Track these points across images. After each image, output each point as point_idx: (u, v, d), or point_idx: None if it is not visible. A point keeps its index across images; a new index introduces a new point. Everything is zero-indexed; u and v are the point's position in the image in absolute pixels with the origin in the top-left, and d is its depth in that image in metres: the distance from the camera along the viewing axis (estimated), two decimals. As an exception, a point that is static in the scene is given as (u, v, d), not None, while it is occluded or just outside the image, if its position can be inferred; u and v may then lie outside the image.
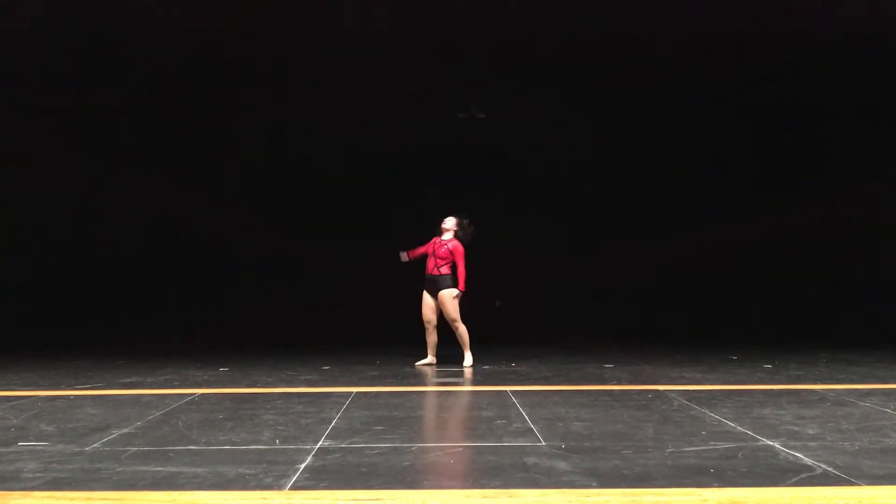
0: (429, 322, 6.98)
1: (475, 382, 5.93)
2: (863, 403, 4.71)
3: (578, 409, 4.59)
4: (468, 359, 6.96)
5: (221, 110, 11.26)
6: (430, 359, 7.05)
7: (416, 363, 7.04)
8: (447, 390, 5.62)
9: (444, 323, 6.97)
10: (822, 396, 5.02)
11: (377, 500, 2.67)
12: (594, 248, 11.55)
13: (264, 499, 2.70)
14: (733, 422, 4.10)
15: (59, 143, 10.65)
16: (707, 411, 4.44)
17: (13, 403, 4.96)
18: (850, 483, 2.87)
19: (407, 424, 4.26)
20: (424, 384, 6.00)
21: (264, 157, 11.77)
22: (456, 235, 6.96)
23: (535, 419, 4.21)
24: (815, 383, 5.66)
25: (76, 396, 5.28)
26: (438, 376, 6.37)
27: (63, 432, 3.95)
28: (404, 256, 7.10)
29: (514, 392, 5.29)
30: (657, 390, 5.34)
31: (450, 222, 7.02)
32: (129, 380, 6.17)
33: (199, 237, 11.49)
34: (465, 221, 7.02)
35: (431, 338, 7.02)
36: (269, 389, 5.56)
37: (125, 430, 3.98)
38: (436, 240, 7.00)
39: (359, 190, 11.69)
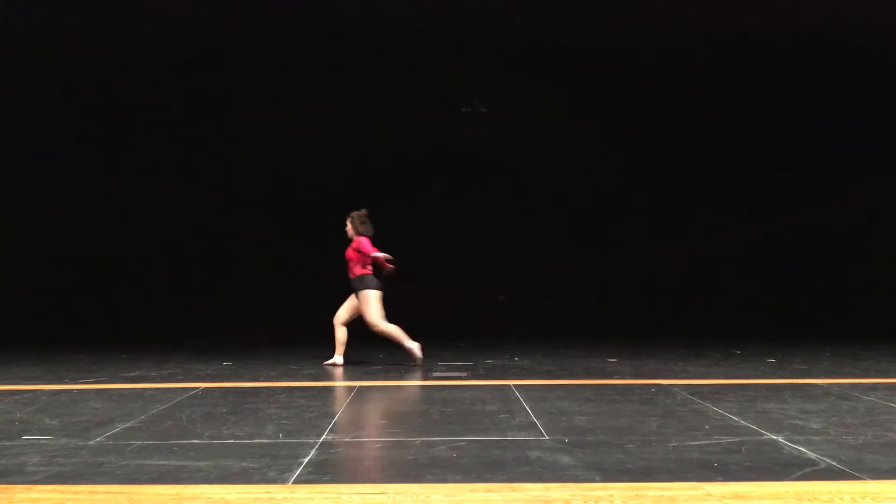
0: (337, 318, 6.81)
1: (478, 377, 5.93)
2: (867, 398, 4.70)
3: (582, 403, 4.59)
4: (414, 348, 6.67)
5: (220, 111, 11.21)
6: (337, 358, 6.77)
7: (325, 363, 6.77)
8: (450, 384, 5.62)
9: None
10: (826, 391, 5.01)
11: (381, 493, 2.67)
12: (596, 247, 11.48)
13: (268, 492, 2.70)
14: (737, 416, 4.09)
15: (64, 142, 10.66)
16: (710, 406, 4.43)
17: (17, 397, 4.97)
18: (854, 477, 2.86)
19: (410, 418, 4.26)
20: (427, 379, 6.00)
21: (265, 157, 11.69)
22: (357, 232, 6.79)
23: (538, 413, 4.21)
24: (819, 377, 5.66)
25: (80, 390, 5.29)
26: (441, 370, 6.37)
27: (67, 426, 3.96)
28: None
29: (517, 386, 5.29)
30: (660, 384, 5.34)
31: (348, 225, 6.85)
32: (132, 374, 6.19)
33: (202, 239, 11.40)
34: (359, 214, 6.85)
35: (338, 336, 6.80)
36: (273, 383, 5.57)
37: (129, 424, 3.99)
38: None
39: (362, 187, 11.62)
